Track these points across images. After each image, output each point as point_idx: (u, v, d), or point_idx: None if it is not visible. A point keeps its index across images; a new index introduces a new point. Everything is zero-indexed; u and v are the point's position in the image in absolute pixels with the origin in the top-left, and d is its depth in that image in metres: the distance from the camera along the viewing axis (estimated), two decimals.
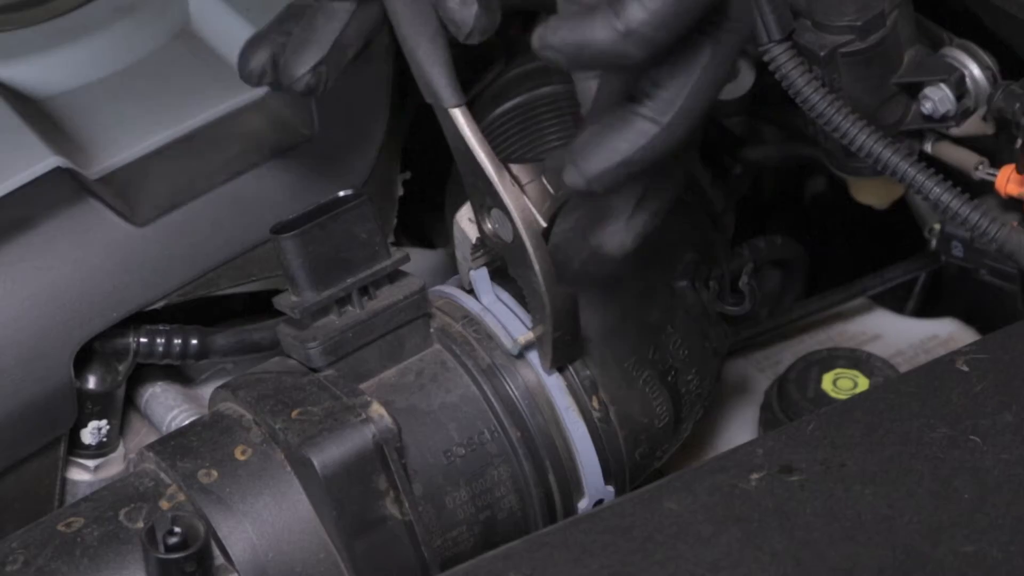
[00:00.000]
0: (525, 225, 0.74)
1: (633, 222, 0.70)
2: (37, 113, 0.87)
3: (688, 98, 0.66)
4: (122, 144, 0.87)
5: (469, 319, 0.80)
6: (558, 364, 0.78)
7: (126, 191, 0.85)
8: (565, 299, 0.76)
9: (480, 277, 0.79)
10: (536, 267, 0.74)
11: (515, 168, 0.74)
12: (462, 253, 0.79)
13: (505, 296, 0.80)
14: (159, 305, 0.85)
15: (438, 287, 0.82)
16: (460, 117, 0.73)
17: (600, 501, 0.80)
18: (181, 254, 0.85)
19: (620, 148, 0.66)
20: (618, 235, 0.70)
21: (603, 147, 0.66)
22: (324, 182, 0.87)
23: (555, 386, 0.78)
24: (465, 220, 0.78)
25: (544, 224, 0.74)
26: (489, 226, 0.76)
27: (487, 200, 0.75)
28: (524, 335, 0.78)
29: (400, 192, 0.95)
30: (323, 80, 0.76)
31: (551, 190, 0.74)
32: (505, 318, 0.79)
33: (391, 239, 0.94)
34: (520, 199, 0.74)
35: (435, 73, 0.72)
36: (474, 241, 0.78)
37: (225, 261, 0.86)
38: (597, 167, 0.66)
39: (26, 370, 0.82)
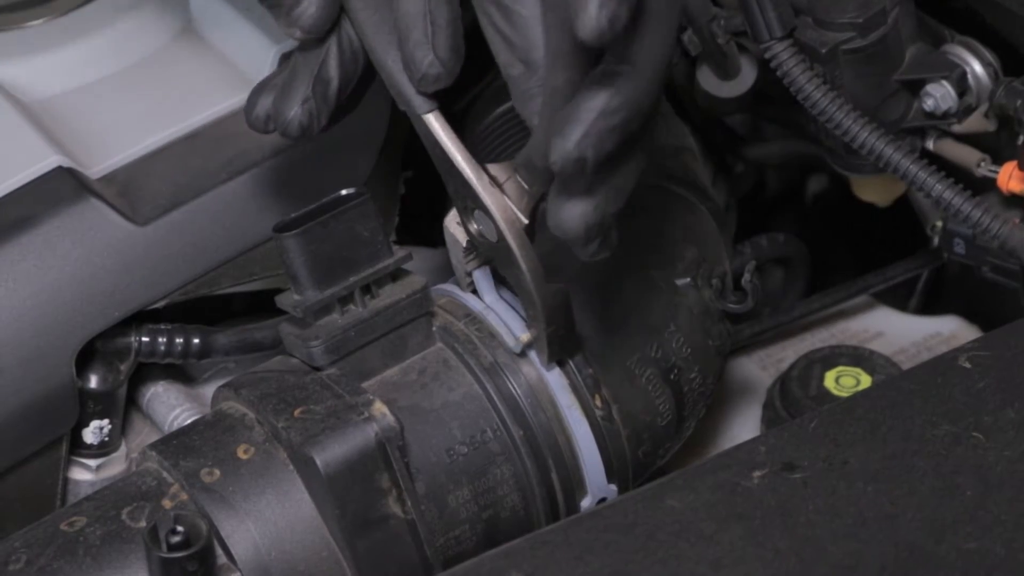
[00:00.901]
0: (507, 224, 0.73)
1: (593, 196, 0.67)
2: (38, 112, 0.87)
3: (647, 39, 0.64)
4: (123, 143, 0.87)
5: (471, 317, 0.80)
6: (555, 359, 0.78)
7: (127, 190, 0.85)
8: (556, 295, 0.76)
9: (482, 276, 0.79)
10: (522, 265, 0.74)
11: (492, 168, 0.74)
12: (455, 257, 0.79)
13: (507, 295, 0.80)
14: (161, 304, 0.85)
15: (440, 285, 0.82)
16: (434, 122, 0.73)
17: (603, 499, 0.80)
18: (182, 253, 0.85)
19: (598, 99, 0.64)
20: (576, 208, 0.67)
21: (579, 109, 0.65)
22: (326, 181, 0.87)
23: (557, 384, 0.78)
24: (454, 224, 0.77)
25: (526, 221, 0.74)
26: (474, 227, 0.76)
27: (468, 202, 0.74)
28: (526, 333, 0.78)
29: (402, 191, 0.95)
30: (314, 117, 0.74)
31: (526, 186, 0.74)
32: (507, 316, 0.79)
33: (393, 238, 0.94)
34: (500, 199, 0.73)
35: (405, 80, 0.72)
36: (464, 244, 0.78)
37: (226, 260, 0.86)
38: (580, 129, 0.64)
39: (27, 370, 0.82)
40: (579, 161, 0.65)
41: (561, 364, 0.79)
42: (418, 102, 0.72)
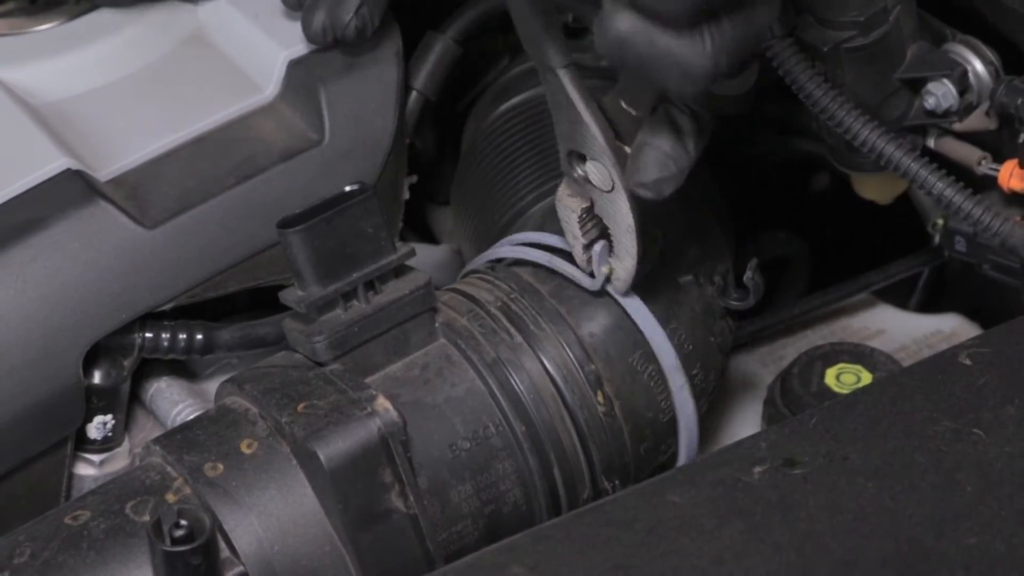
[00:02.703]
0: (619, 172, 0.76)
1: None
2: (48, 115, 0.88)
3: None
4: (132, 147, 0.87)
5: (474, 313, 0.80)
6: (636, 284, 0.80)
7: (136, 194, 0.86)
8: (653, 238, 0.79)
9: (600, 251, 0.80)
10: (631, 212, 0.77)
11: (607, 108, 0.77)
12: (571, 231, 0.80)
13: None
14: (168, 307, 0.85)
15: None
16: (567, 76, 0.77)
17: None
18: (190, 257, 0.85)
19: None
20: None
21: None
22: (333, 186, 0.88)
23: (671, 366, 0.80)
24: (565, 197, 0.79)
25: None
26: (581, 173, 0.78)
27: (584, 151, 0.77)
28: (607, 265, 0.79)
29: (406, 196, 0.96)
30: (367, 22, 0.85)
31: (632, 111, 0.77)
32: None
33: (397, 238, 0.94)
34: (621, 152, 0.77)
35: (544, 38, 0.76)
36: (580, 214, 0.79)
37: (234, 264, 0.86)
38: None
39: (35, 370, 0.82)
40: None
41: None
42: (557, 60, 0.76)
